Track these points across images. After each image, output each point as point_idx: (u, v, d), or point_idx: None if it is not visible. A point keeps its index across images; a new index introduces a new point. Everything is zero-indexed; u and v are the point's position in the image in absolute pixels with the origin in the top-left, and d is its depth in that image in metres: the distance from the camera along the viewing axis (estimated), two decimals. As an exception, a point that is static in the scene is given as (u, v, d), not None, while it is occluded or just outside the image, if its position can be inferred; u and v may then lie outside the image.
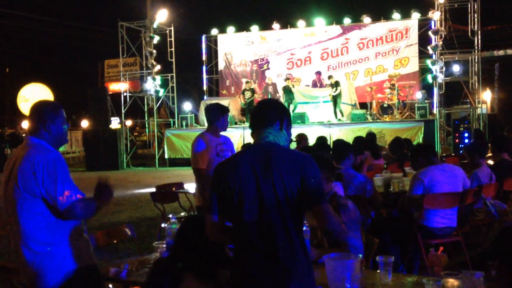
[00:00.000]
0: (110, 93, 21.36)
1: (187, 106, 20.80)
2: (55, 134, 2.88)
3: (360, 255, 2.74)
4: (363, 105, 17.86)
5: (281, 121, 2.53)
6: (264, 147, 2.45)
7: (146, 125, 21.34)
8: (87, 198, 2.80)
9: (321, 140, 8.56)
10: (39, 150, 2.77)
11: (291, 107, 17.04)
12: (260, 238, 2.34)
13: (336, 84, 16.77)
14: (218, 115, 5.14)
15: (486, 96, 19.60)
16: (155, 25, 19.33)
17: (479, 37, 17.39)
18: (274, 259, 2.31)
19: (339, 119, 16.85)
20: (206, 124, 18.98)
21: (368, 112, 16.85)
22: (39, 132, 2.86)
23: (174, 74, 20.28)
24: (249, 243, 2.36)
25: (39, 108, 2.91)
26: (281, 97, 17.45)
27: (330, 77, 17.33)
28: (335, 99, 16.76)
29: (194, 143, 5.09)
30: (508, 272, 1.83)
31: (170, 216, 3.49)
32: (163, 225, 3.43)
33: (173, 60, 20.10)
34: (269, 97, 18.34)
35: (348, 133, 15.39)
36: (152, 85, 19.20)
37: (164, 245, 3.30)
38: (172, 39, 20.08)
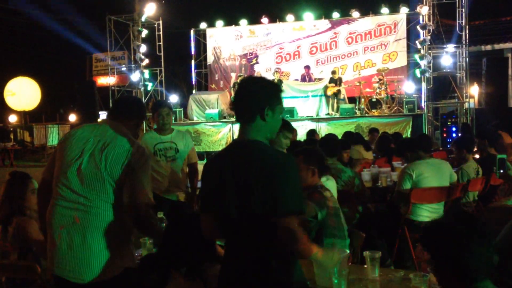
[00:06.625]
0: (98, 87, 21.22)
1: (176, 100, 20.73)
2: None
3: (347, 250, 2.75)
4: (351, 100, 17.88)
5: (261, 112, 2.30)
6: (240, 147, 2.32)
7: (135, 119, 21.18)
8: None
9: (310, 135, 8.60)
10: None
11: None
12: (235, 243, 2.30)
13: (340, 80, 16.88)
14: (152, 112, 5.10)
15: (474, 90, 19.70)
16: (143, 19, 19.18)
17: (467, 32, 17.48)
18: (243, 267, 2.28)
19: (328, 114, 16.91)
20: (195, 119, 18.77)
21: (356, 107, 16.88)
22: None
23: (162, 68, 20.17)
24: (228, 244, 2.35)
25: None
26: None
27: (333, 72, 17.34)
28: (336, 95, 16.84)
29: None
30: (442, 268, 1.84)
31: (158, 212, 3.48)
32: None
33: (162, 54, 19.99)
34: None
35: (336, 128, 15.43)
36: (140, 79, 19.08)
37: (151, 241, 3.29)
38: (161, 32, 19.95)
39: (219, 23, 20.56)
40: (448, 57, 17.41)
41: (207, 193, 2.40)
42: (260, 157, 2.24)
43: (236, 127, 16.94)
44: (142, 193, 2.76)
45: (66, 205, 2.76)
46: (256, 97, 2.32)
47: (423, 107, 16.82)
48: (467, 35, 17.43)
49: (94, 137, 2.85)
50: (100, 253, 2.71)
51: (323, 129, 15.67)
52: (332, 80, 16.93)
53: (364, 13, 19.34)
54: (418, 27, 17.47)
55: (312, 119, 16.63)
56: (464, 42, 17.38)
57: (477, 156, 7.16)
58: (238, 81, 17.86)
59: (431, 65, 17.15)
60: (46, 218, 2.85)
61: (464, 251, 1.75)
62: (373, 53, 19.25)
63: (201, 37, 21.29)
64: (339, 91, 16.84)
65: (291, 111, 16.70)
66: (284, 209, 2.15)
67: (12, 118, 29.11)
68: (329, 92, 16.89)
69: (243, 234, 2.27)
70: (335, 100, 16.96)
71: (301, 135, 11.64)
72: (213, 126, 17.26)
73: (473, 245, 1.76)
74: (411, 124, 15.71)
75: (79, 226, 2.72)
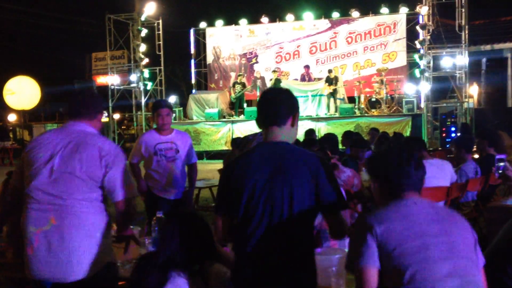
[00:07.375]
0: (98, 86, 21.20)
1: (175, 99, 20.71)
2: None
3: (346, 250, 2.74)
4: (351, 99, 17.89)
5: (293, 117, 2.46)
6: (277, 148, 2.38)
7: (134, 119, 21.21)
8: None
9: (309, 135, 8.59)
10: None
11: None
12: (268, 241, 2.30)
13: (336, 80, 16.89)
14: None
15: (473, 90, 19.70)
16: (143, 18, 19.17)
17: (467, 32, 17.48)
18: (277, 267, 2.29)
19: (326, 113, 16.92)
20: (194, 118, 18.70)
21: (356, 106, 16.89)
22: None
23: (162, 67, 20.14)
24: (256, 246, 2.32)
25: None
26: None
27: (330, 71, 17.34)
28: (333, 94, 16.88)
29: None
30: (381, 186, 2.30)
31: (157, 211, 3.47)
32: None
33: (161, 53, 19.97)
34: (258, 91, 18.26)
35: (336, 127, 15.43)
36: (139, 78, 19.07)
37: (150, 240, 3.29)
38: (160, 32, 19.93)
39: (219, 22, 20.56)
40: (448, 57, 17.41)
41: (232, 195, 2.39)
42: (303, 156, 2.37)
43: (236, 126, 16.96)
44: (123, 187, 2.83)
45: (41, 208, 2.77)
46: (289, 103, 2.51)
47: (422, 107, 16.83)
48: (467, 35, 17.43)
49: (62, 139, 2.86)
50: (79, 251, 2.73)
51: (323, 129, 15.67)
52: (328, 80, 16.92)
53: (364, 13, 19.35)
54: (417, 27, 17.48)
55: (311, 118, 16.63)
56: (463, 42, 17.39)
57: (476, 156, 7.15)
58: (238, 80, 17.87)
59: (430, 65, 17.16)
60: (20, 225, 2.84)
61: (403, 173, 2.23)
62: (372, 53, 19.25)
63: (201, 37, 21.28)
64: (335, 90, 16.82)
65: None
66: (341, 203, 2.38)
67: (12, 117, 29.10)
68: (325, 92, 16.90)
69: (277, 233, 2.30)
70: (331, 99, 16.96)
71: (300, 135, 11.63)
72: (212, 125, 17.25)
73: (410, 169, 2.24)
74: (410, 124, 15.72)
75: (56, 226, 2.73)
